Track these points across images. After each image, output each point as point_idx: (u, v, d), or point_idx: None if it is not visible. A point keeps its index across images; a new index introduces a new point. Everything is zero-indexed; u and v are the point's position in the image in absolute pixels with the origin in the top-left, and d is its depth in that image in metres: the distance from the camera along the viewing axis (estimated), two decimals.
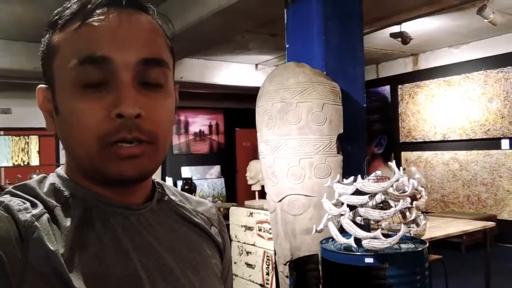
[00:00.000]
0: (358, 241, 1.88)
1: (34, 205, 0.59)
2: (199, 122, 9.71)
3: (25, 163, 7.58)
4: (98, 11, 0.60)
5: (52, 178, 0.66)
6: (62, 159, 7.36)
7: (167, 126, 0.64)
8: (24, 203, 0.59)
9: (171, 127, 0.66)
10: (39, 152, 7.76)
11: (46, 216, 0.59)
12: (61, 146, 7.71)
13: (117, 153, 0.59)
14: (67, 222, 0.60)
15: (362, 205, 1.92)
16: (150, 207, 0.69)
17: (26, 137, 7.67)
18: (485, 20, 4.92)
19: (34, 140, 7.72)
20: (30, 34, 5.10)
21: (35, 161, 7.67)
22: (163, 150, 0.64)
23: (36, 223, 0.57)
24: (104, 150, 0.59)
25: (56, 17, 0.63)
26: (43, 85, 0.66)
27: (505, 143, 6.52)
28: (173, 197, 0.75)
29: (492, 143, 6.65)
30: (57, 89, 0.62)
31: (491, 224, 3.93)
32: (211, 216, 0.79)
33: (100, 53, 0.58)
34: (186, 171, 9.19)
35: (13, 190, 0.62)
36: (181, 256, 0.68)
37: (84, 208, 0.62)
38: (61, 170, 0.67)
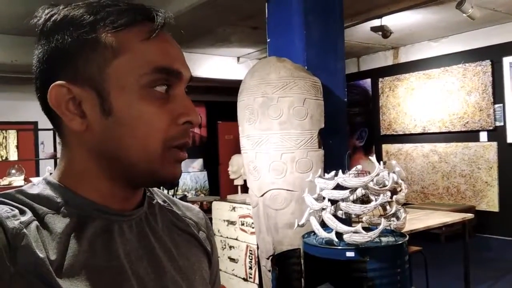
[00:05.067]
0: (339, 235, 1.90)
1: (22, 212, 0.59)
2: None
3: (3, 158, 7.42)
4: (159, 28, 0.63)
5: (42, 186, 0.65)
6: (41, 153, 7.24)
7: None
8: (12, 210, 0.58)
9: None
10: (17, 146, 7.62)
11: (35, 223, 0.58)
12: (39, 140, 7.59)
13: (176, 156, 0.65)
14: (59, 229, 0.60)
15: (343, 200, 1.94)
16: (141, 213, 0.70)
17: (4, 131, 7.50)
18: (464, 14, 4.98)
19: (12, 135, 7.57)
20: (7, 27, 4.98)
21: (13, 156, 7.52)
22: None
23: (24, 230, 0.56)
24: (165, 153, 0.63)
25: (93, 17, 0.61)
26: (64, 82, 0.61)
27: (483, 136, 6.63)
28: (161, 202, 0.76)
29: (470, 135, 6.75)
30: (115, 90, 0.61)
31: (470, 216, 3.99)
32: (199, 221, 0.80)
33: (176, 67, 0.64)
34: None
35: (0, 198, 0.61)
36: (170, 262, 0.69)
37: (77, 215, 0.62)
38: (50, 177, 0.66)
